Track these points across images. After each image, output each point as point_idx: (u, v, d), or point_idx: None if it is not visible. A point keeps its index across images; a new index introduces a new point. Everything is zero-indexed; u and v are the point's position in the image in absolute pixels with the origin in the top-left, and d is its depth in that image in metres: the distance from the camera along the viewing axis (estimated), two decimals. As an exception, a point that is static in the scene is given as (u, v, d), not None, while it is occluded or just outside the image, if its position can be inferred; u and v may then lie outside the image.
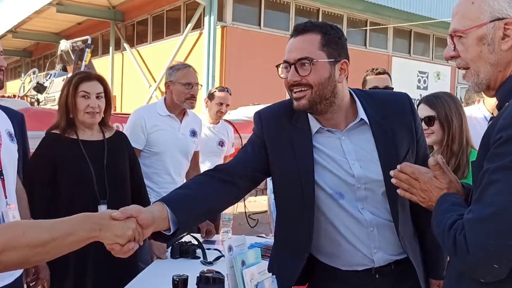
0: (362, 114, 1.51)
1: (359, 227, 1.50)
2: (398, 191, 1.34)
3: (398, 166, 1.32)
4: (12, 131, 1.91)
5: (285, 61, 1.49)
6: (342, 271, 1.56)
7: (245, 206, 6.50)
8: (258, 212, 7.32)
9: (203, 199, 1.47)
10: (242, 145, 6.25)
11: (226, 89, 3.97)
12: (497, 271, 1.03)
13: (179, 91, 2.91)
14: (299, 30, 1.48)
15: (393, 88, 3.10)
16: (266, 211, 7.53)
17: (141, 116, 2.90)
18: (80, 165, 2.29)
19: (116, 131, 2.55)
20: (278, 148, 1.55)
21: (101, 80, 2.34)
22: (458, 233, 1.06)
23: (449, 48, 1.20)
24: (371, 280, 1.54)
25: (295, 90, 1.47)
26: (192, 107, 2.98)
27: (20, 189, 1.97)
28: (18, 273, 1.86)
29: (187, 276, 1.49)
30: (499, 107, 1.16)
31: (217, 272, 1.45)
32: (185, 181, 3.05)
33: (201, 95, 4.35)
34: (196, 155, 3.22)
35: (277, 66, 1.55)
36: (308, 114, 1.53)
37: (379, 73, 3.19)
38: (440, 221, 1.16)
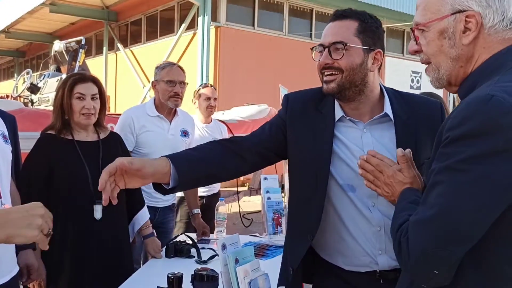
0: (388, 109, 1.50)
1: (366, 224, 1.47)
2: (364, 182, 1.30)
3: (368, 151, 1.29)
4: (6, 133, 1.92)
5: (320, 44, 1.49)
6: (345, 271, 1.53)
7: (239, 205, 6.53)
8: (252, 212, 7.35)
9: (207, 164, 1.48)
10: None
11: (209, 85, 3.95)
12: (439, 277, 0.98)
13: (163, 89, 2.91)
14: (337, 15, 1.49)
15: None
16: (260, 211, 7.58)
17: (129, 117, 2.89)
18: (76, 166, 2.31)
19: (110, 131, 2.56)
20: (299, 132, 1.54)
21: (95, 81, 2.36)
22: (403, 235, 1.01)
23: (412, 42, 1.15)
24: (374, 284, 1.49)
25: (326, 73, 1.47)
26: (176, 105, 2.96)
27: (13, 191, 1.98)
28: (13, 272, 1.87)
29: (182, 274, 1.51)
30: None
31: (211, 270, 1.47)
32: None
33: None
34: None
35: (312, 49, 1.56)
36: (335, 101, 1.54)
37: None
38: (393, 220, 1.12)
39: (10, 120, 2.34)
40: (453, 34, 1.05)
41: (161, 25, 12.92)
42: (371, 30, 1.47)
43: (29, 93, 6.88)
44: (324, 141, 1.50)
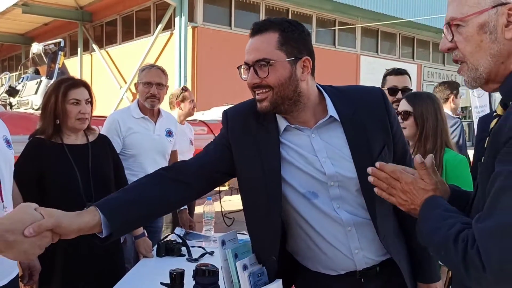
0: (331, 111, 1.45)
1: (336, 226, 1.43)
2: (375, 189, 1.24)
3: (377, 164, 1.22)
4: (9, 137, 1.96)
5: (245, 63, 1.42)
6: (324, 276, 1.50)
7: (221, 205, 6.58)
8: (234, 211, 7.41)
9: (143, 205, 1.39)
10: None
11: (188, 88, 4.25)
12: None
13: (141, 90, 2.99)
14: (256, 30, 1.40)
15: (411, 90, 3.00)
16: (241, 210, 7.63)
17: (115, 120, 2.93)
18: (66, 169, 2.33)
19: (99, 134, 2.60)
20: (244, 147, 1.48)
21: (86, 85, 2.40)
22: (470, 246, 0.92)
23: (445, 39, 1.08)
24: (356, 285, 1.47)
25: (257, 92, 1.42)
26: (152, 106, 3.00)
27: (16, 194, 2.02)
28: (13, 274, 1.90)
29: (183, 270, 1.58)
30: (503, 103, 1.04)
31: (211, 265, 1.54)
32: None
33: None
34: (174, 154, 3.27)
35: (239, 68, 1.47)
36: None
37: (399, 73, 3.08)
38: (437, 229, 1.01)
39: None
40: (495, 28, 0.99)
41: (137, 26, 12.84)
42: (293, 39, 1.39)
43: (7, 96, 6.79)
44: (271, 150, 1.45)
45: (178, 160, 3.46)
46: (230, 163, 1.50)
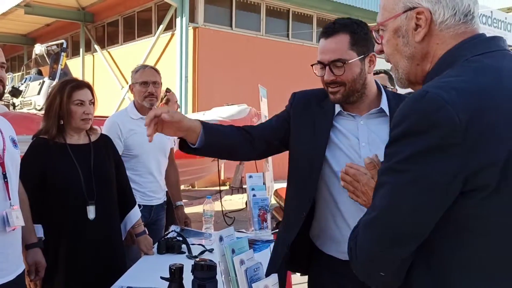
0: (384, 104, 1.65)
1: (359, 211, 1.43)
2: (347, 194, 1.27)
3: (343, 168, 1.26)
4: (15, 138, 2.02)
5: (320, 62, 1.64)
6: (340, 262, 1.58)
7: (221, 204, 6.65)
8: (234, 210, 7.48)
9: (229, 139, 1.68)
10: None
11: (170, 90, 4.36)
12: (386, 280, 0.97)
13: (138, 91, 3.01)
14: (328, 32, 1.63)
15: (392, 88, 3.05)
16: (242, 209, 7.70)
17: (115, 123, 2.96)
18: (69, 168, 2.39)
19: (101, 134, 2.65)
20: (301, 123, 1.72)
21: (89, 87, 2.46)
22: (352, 238, 1.01)
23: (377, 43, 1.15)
24: None
25: (331, 86, 1.64)
26: (152, 105, 3.03)
27: (22, 193, 2.08)
28: (19, 270, 1.96)
29: (183, 264, 1.63)
30: None
31: (209, 260, 1.60)
32: (164, 177, 3.17)
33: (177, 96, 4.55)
34: (171, 151, 3.31)
35: (312, 65, 1.70)
36: None
37: (376, 73, 3.17)
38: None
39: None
40: (406, 32, 1.04)
41: (139, 26, 12.90)
42: (362, 39, 1.61)
43: (10, 97, 6.85)
44: (323, 131, 1.66)
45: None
46: (287, 134, 1.74)
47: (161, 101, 4.11)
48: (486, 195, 0.87)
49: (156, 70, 3.11)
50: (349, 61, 1.58)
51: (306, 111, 1.73)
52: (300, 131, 1.72)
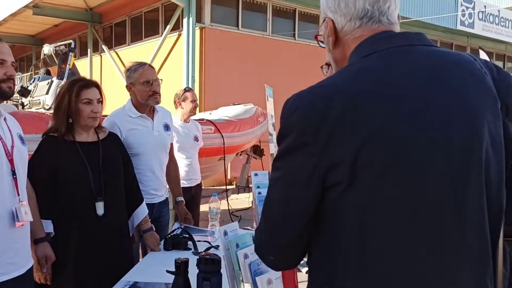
0: None
1: None
2: None
3: None
4: (23, 135, 2.07)
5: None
6: None
7: (228, 203, 6.69)
8: (241, 209, 7.52)
9: None
10: (224, 144, 6.62)
11: (190, 88, 4.48)
12: (280, 262, 1.09)
13: (141, 90, 2.97)
14: None
15: None
16: (248, 208, 7.74)
17: (114, 123, 2.94)
18: (78, 165, 2.44)
19: (109, 132, 2.70)
20: None
21: (97, 86, 2.51)
22: None
23: None
24: None
25: None
26: (157, 103, 3.05)
27: (29, 189, 2.13)
28: (29, 264, 2.01)
29: (188, 258, 1.67)
30: None
31: (214, 254, 1.64)
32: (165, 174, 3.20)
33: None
34: (171, 147, 3.30)
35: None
36: None
37: None
38: None
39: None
40: (327, 40, 1.12)
41: (146, 27, 12.97)
42: None
43: (19, 96, 6.93)
44: None
45: (177, 155, 3.59)
46: None
47: (178, 99, 4.26)
48: (341, 190, 0.94)
49: (153, 67, 3.13)
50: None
51: None
52: None
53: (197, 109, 4.46)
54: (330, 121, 0.93)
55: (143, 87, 2.98)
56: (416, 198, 0.93)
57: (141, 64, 3.10)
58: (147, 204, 2.91)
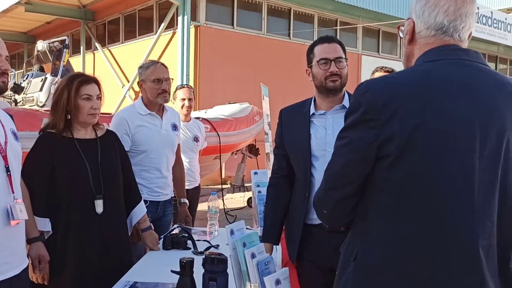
0: (346, 101, 2.18)
1: None
2: None
3: None
4: (16, 131, 2.01)
5: (324, 59, 2.12)
6: (319, 227, 2.10)
7: (223, 202, 6.65)
8: (236, 208, 7.48)
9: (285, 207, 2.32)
10: (220, 143, 6.50)
11: (185, 85, 4.19)
12: (329, 217, 1.34)
13: (151, 88, 2.99)
14: (329, 40, 2.18)
15: None
16: (243, 207, 7.70)
17: (123, 118, 2.96)
18: (76, 162, 2.39)
19: (107, 129, 2.65)
20: (288, 129, 2.25)
21: (97, 82, 2.45)
22: None
23: None
24: (327, 235, 2.06)
25: (332, 78, 2.13)
26: (166, 101, 3.06)
27: (22, 186, 2.07)
28: (24, 264, 1.95)
29: (193, 258, 1.63)
30: None
31: (219, 254, 1.60)
32: (171, 173, 3.17)
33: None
34: (178, 147, 3.31)
35: (318, 61, 2.15)
36: (311, 103, 2.22)
37: (387, 71, 3.31)
38: None
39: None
40: (405, 35, 1.33)
41: (140, 25, 12.88)
42: (344, 50, 2.20)
43: (12, 93, 6.84)
44: (304, 127, 2.17)
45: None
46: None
47: (172, 97, 4.09)
48: (390, 162, 1.16)
49: (165, 66, 3.11)
50: (347, 60, 2.17)
51: (293, 118, 2.25)
52: (290, 134, 2.23)
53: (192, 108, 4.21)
54: (393, 105, 1.16)
55: (153, 85, 2.99)
56: (448, 182, 1.14)
57: (153, 62, 3.11)
58: (151, 202, 2.87)
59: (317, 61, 2.15)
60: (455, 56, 1.23)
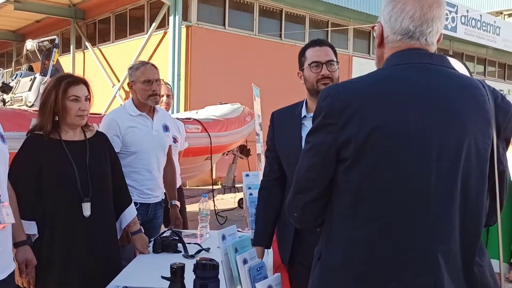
0: None
1: None
2: None
3: None
4: (3, 132, 1.96)
5: (315, 61, 2.13)
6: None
7: (214, 204, 6.61)
8: (227, 209, 7.45)
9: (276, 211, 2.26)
10: (211, 144, 6.44)
11: (163, 82, 3.98)
12: (299, 220, 1.37)
13: (141, 89, 2.95)
14: (321, 43, 2.18)
15: None
16: (234, 208, 7.68)
17: (113, 120, 2.92)
18: (64, 165, 2.34)
19: (96, 131, 2.61)
20: (280, 132, 2.24)
21: (85, 83, 2.41)
22: None
23: None
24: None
25: (323, 81, 2.12)
26: (156, 103, 3.03)
27: (9, 189, 2.02)
28: (11, 269, 1.91)
29: (184, 264, 1.60)
30: None
31: (211, 259, 1.57)
32: (162, 175, 3.13)
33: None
34: (169, 149, 3.26)
35: (309, 65, 2.16)
36: (303, 106, 2.19)
37: None
38: None
39: None
40: (375, 38, 1.36)
41: (131, 24, 12.80)
42: (336, 53, 2.20)
43: (0, 93, 6.74)
44: (296, 130, 2.15)
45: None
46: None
47: None
48: (348, 164, 1.20)
49: (155, 67, 3.08)
50: (338, 63, 2.18)
51: (284, 120, 2.24)
52: (281, 136, 2.22)
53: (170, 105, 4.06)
54: (351, 110, 1.19)
55: (143, 86, 2.96)
56: (403, 184, 1.17)
57: (143, 63, 3.08)
58: (141, 204, 2.83)
59: (308, 64, 2.15)
60: (417, 60, 1.25)
